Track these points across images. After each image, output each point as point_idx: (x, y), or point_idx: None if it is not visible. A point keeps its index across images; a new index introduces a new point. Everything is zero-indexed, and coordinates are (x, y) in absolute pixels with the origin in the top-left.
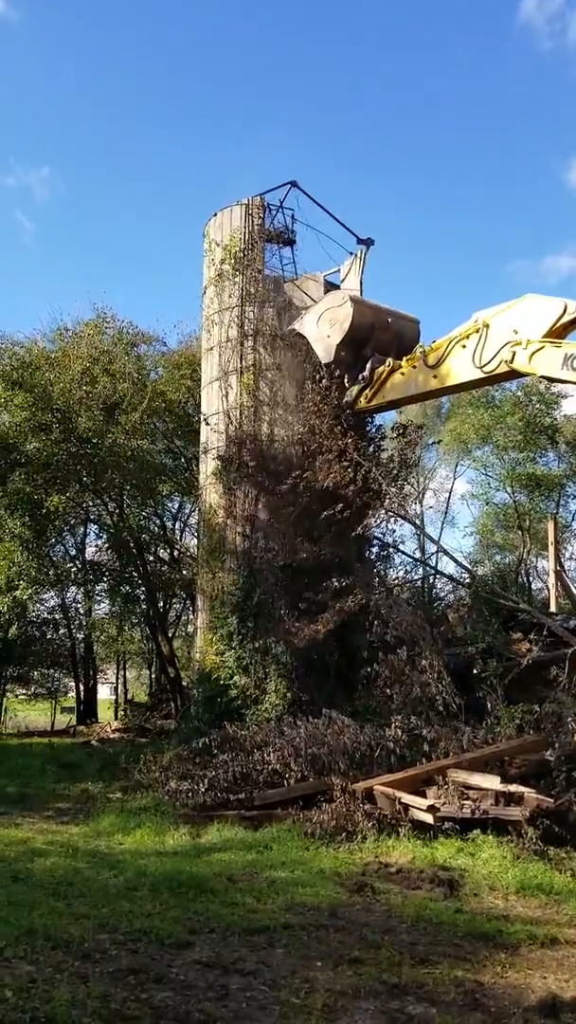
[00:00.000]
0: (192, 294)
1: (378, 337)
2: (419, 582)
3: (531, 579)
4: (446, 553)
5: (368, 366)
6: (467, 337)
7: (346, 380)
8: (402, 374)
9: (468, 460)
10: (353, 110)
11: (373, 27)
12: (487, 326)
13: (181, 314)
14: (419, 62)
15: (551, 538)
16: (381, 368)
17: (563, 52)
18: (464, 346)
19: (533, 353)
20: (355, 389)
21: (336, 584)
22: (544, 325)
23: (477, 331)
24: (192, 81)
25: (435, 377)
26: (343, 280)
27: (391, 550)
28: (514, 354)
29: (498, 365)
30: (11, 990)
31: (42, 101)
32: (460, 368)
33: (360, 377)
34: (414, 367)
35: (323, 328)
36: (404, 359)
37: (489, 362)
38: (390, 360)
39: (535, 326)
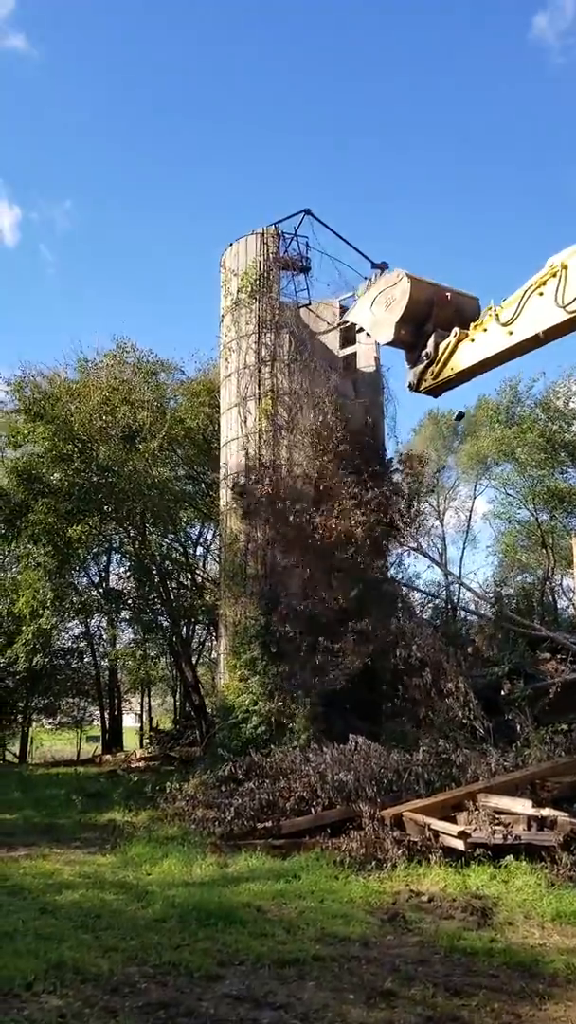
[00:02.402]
0: (209, 321)
1: (438, 314)
2: (443, 604)
3: (556, 597)
4: (464, 586)
5: (431, 341)
6: (543, 284)
7: (406, 362)
8: (471, 340)
9: (488, 478)
10: (364, 136)
11: (383, 51)
12: (565, 267)
13: (199, 341)
14: (430, 85)
15: (575, 555)
16: (447, 340)
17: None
18: (541, 294)
19: None
20: (417, 369)
21: (354, 632)
22: None
23: (554, 275)
24: (208, 115)
25: (511, 333)
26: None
27: (407, 589)
28: None
29: None
30: None
31: (64, 136)
32: (540, 315)
33: (423, 354)
34: (485, 330)
35: (378, 310)
36: (471, 325)
37: (575, 300)
38: (456, 330)
39: None
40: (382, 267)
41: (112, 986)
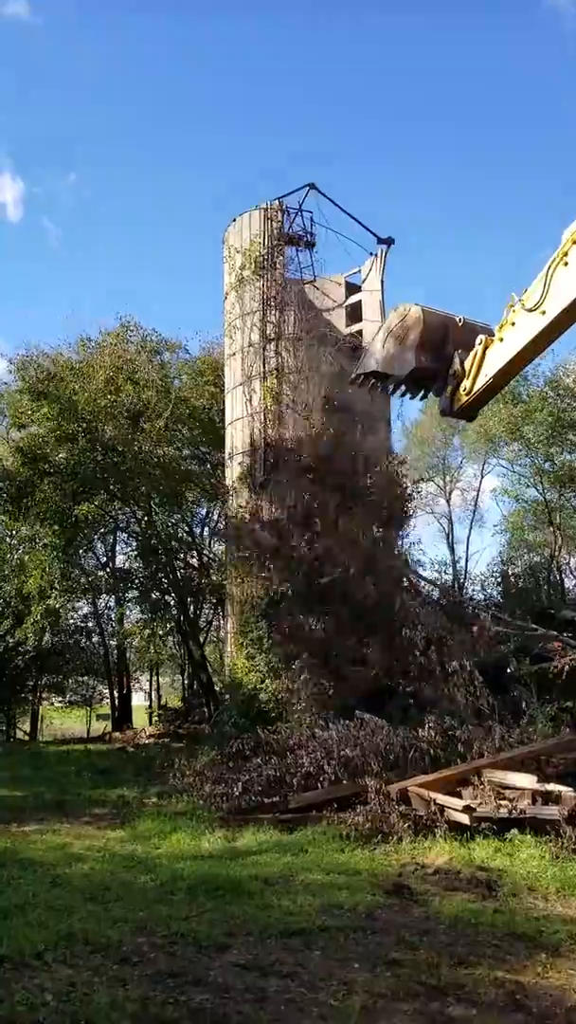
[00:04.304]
0: (214, 298)
1: (454, 337)
2: (449, 583)
3: (564, 576)
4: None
5: (457, 359)
6: (566, 254)
7: (433, 393)
8: (500, 340)
9: (496, 457)
10: (371, 108)
11: (390, 19)
12: None
13: (204, 319)
14: (440, 51)
15: None
16: (474, 351)
17: None
18: (567, 263)
19: None
20: (448, 391)
21: (360, 611)
22: None
23: (575, 241)
24: (214, 88)
25: (544, 313)
26: (364, 280)
27: (413, 568)
28: None
29: None
30: (51, 994)
31: (68, 108)
32: (573, 283)
33: (451, 373)
34: (513, 324)
35: (391, 346)
36: (496, 327)
37: None
38: (481, 337)
39: None
40: (388, 242)
41: (121, 956)
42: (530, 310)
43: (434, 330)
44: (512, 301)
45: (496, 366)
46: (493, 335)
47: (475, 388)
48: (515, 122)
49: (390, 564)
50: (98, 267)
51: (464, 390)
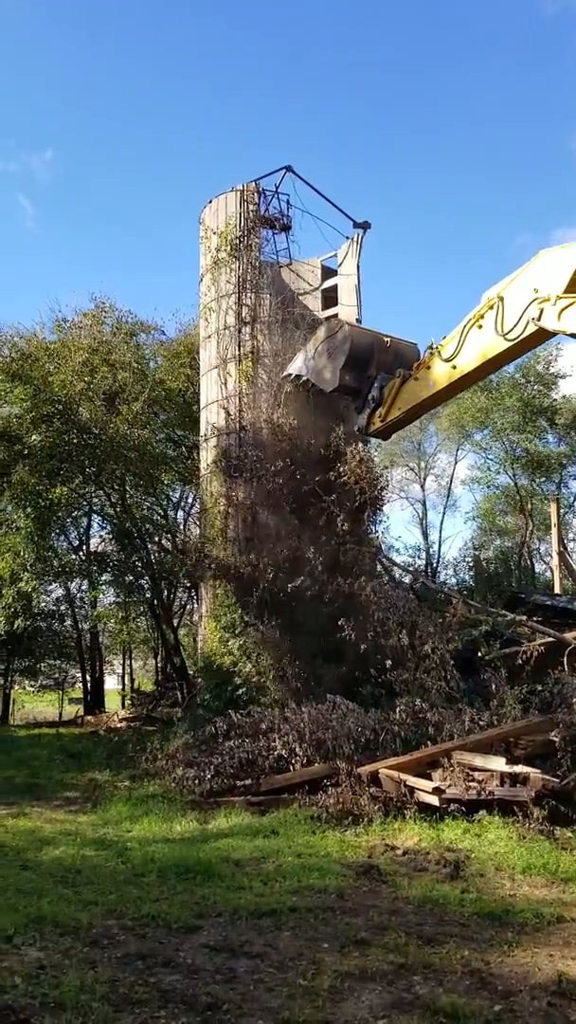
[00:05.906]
0: (191, 279)
1: (379, 358)
2: (422, 567)
3: (534, 561)
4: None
5: (376, 384)
6: (481, 317)
7: (353, 409)
8: (416, 379)
9: (468, 444)
10: (348, 88)
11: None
12: (501, 299)
13: (181, 299)
14: (417, 34)
15: (554, 519)
16: (392, 381)
17: (569, 17)
18: (480, 326)
19: (563, 310)
20: (366, 413)
21: (333, 594)
22: (564, 278)
23: (491, 307)
24: (194, 67)
25: (454, 367)
26: (340, 264)
27: (386, 552)
28: (541, 311)
29: (525, 327)
30: (20, 976)
31: (44, 83)
32: (481, 347)
33: (370, 398)
34: (428, 368)
35: (321, 360)
36: (415, 365)
37: (513, 327)
38: (400, 370)
39: (555, 282)
40: (365, 226)
41: (91, 938)
42: (445, 360)
43: (360, 351)
44: (432, 344)
45: (409, 402)
46: (419, 356)
47: (389, 417)
48: (495, 103)
49: (363, 551)
50: (75, 244)
51: (379, 416)
